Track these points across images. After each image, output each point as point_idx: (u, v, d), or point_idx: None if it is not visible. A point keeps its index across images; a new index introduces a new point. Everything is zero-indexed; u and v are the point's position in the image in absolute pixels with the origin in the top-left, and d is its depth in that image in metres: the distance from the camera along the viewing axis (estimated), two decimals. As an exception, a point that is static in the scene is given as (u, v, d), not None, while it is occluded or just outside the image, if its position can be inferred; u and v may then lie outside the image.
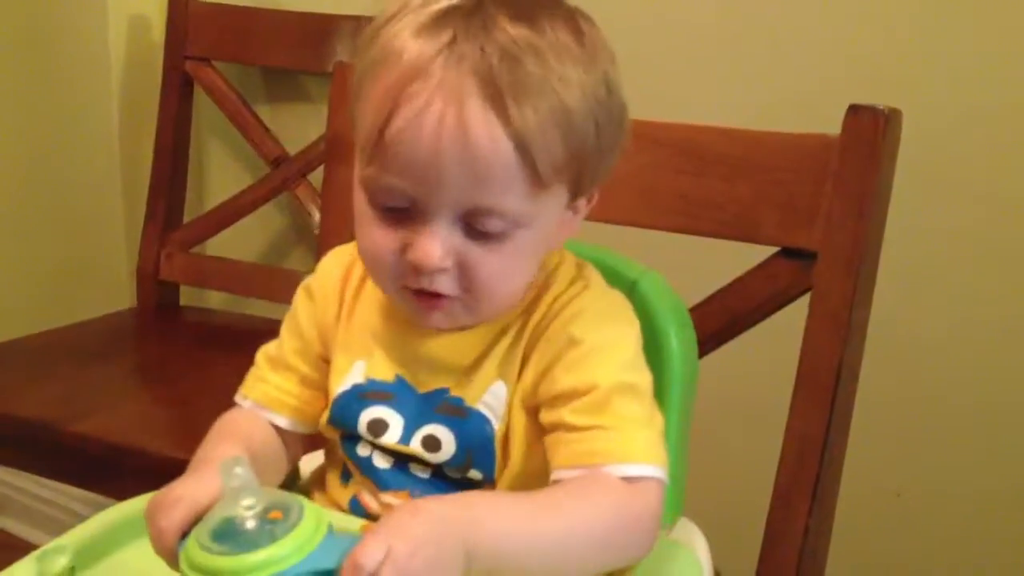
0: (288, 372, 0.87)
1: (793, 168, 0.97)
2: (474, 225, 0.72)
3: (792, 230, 0.97)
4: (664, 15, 1.49)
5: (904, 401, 1.47)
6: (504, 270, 0.74)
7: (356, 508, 0.82)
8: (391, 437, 0.80)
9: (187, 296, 1.95)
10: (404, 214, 0.73)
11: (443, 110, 0.68)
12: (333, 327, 0.85)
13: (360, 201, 0.75)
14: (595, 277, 0.83)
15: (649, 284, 0.90)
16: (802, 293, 0.97)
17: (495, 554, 0.66)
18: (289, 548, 0.61)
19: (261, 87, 1.91)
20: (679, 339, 0.89)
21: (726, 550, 1.00)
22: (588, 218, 0.94)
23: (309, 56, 1.78)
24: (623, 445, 0.74)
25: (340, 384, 0.83)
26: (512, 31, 0.70)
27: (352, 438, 0.83)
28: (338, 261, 0.87)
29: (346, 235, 1.05)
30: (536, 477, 0.77)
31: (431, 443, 0.79)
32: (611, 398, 0.75)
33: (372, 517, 0.80)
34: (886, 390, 1.45)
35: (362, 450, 0.82)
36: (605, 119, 0.74)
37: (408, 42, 0.70)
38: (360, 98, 0.74)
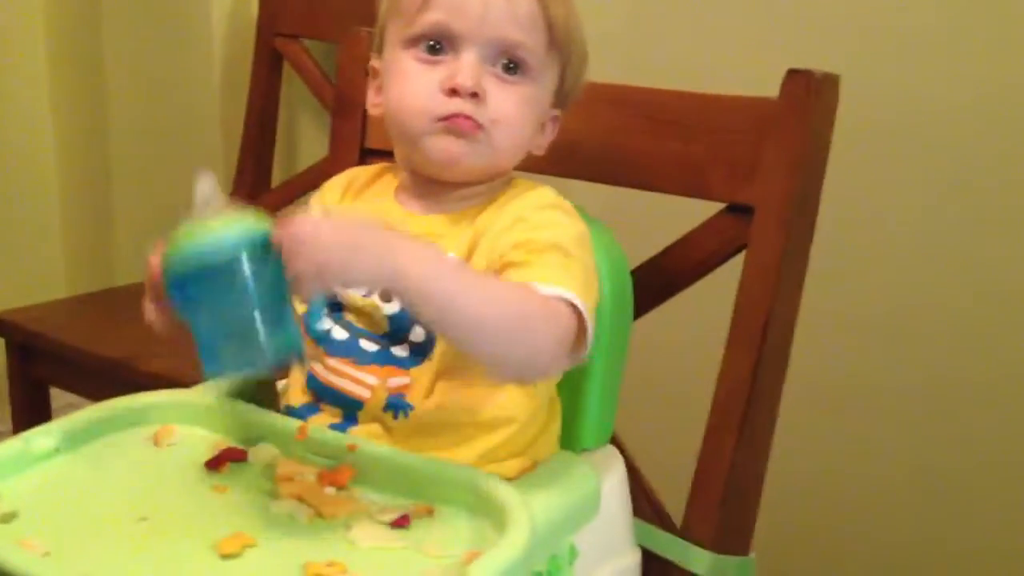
0: None
1: (738, 128, 1.03)
2: (503, 56, 0.91)
3: (736, 187, 1.03)
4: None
5: (920, 376, 1.50)
6: (515, 110, 0.92)
7: (313, 383, 0.95)
8: (358, 290, 0.93)
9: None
10: (444, 57, 0.91)
11: None
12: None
13: (401, 61, 0.92)
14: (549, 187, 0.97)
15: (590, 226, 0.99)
16: (743, 247, 1.04)
17: (415, 283, 0.79)
18: (238, 221, 0.77)
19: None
20: (611, 277, 0.98)
21: (672, 486, 1.09)
22: (553, 172, 1.04)
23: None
24: (547, 273, 0.86)
25: None
26: None
27: (313, 312, 0.96)
28: (345, 175, 1.05)
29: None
30: None
31: (386, 294, 0.92)
32: (546, 251, 0.88)
33: (324, 388, 0.94)
34: (901, 365, 1.50)
35: (322, 324, 0.95)
36: (582, 48, 0.97)
37: None
38: None
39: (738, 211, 1.04)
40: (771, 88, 1.01)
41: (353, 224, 0.81)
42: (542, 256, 0.87)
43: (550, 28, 0.92)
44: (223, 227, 0.77)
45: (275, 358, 0.79)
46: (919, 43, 1.43)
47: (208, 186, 0.79)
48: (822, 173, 1.02)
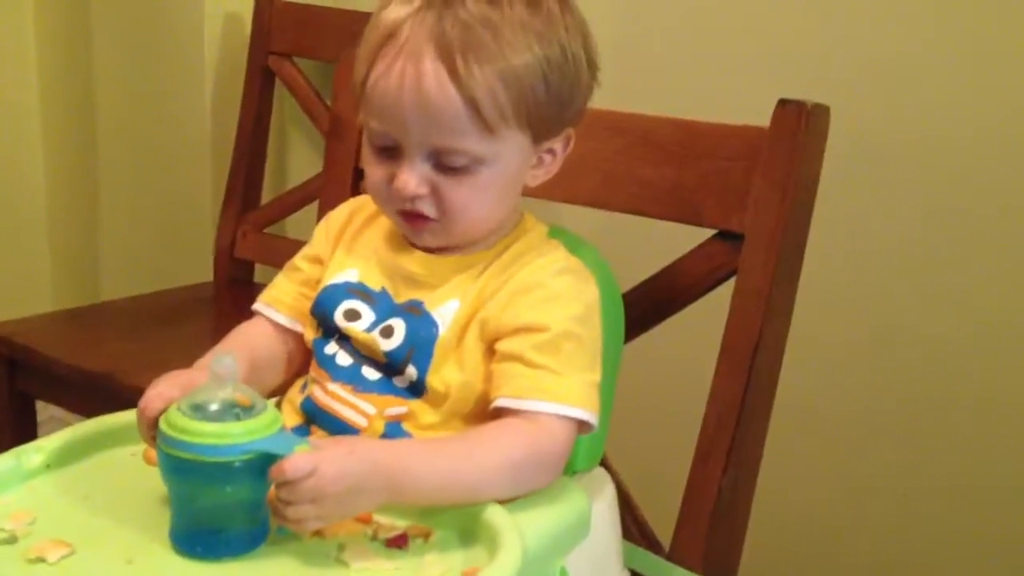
0: (294, 273, 1.03)
1: (729, 156, 1.04)
2: (441, 161, 0.89)
3: (726, 214, 1.05)
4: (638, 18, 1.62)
5: (907, 401, 1.51)
6: (471, 199, 0.90)
7: (307, 406, 0.95)
8: (360, 325, 0.94)
9: (262, 274, 2.10)
10: (391, 152, 0.90)
11: (404, 66, 0.86)
12: (335, 242, 1.02)
13: (364, 143, 0.93)
14: (563, 245, 0.97)
15: (584, 253, 1.00)
16: (734, 273, 1.05)
17: (415, 493, 0.83)
18: (242, 429, 0.77)
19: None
20: (604, 304, 0.98)
21: (661, 508, 1.09)
22: (552, 197, 1.05)
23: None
24: (564, 388, 0.88)
25: (332, 279, 0.98)
26: (471, 6, 0.87)
27: (324, 336, 0.97)
28: (349, 204, 1.06)
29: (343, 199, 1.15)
30: (463, 389, 0.91)
31: (387, 331, 0.93)
32: (562, 343, 0.88)
33: (320, 411, 0.93)
34: (889, 391, 1.51)
35: (329, 348, 0.96)
36: (557, 78, 0.89)
37: (389, 11, 0.89)
38: (357, 60, 0.91)
39: (729, 237, 1.05)
40: (762, 117, 1.03)
41: (351, 466, 0.79)
42: (563, 358, 0.88)
43: (479, 113, 0.86)
44: (227, 435, 0.77)
45: (239, 552, 0.80)
46: (909, 73, 1.45)
47: (225, 368, 0.78)
48: (812, 202, 1.03)
